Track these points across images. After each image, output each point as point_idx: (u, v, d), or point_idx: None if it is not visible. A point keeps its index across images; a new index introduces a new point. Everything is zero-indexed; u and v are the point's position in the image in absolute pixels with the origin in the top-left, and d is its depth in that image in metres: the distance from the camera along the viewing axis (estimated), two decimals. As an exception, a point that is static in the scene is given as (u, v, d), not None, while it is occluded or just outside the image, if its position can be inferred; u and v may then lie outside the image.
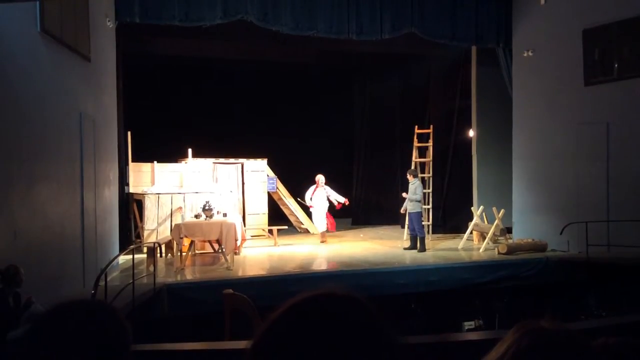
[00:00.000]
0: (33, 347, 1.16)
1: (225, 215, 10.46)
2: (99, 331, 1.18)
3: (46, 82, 7.12)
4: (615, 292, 9.14)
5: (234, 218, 10.54)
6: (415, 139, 13.52)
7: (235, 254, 10.32)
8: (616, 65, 10.21)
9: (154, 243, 9.51)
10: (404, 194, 11.56)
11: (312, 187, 12.85)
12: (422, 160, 13.53)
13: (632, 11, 9.87)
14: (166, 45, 13.23)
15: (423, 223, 13.41)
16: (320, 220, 12.84)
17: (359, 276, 9.15)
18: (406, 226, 12.25)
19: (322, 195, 12.76)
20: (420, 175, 13.57)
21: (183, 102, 15.40)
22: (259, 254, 11.41)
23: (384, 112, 16.44)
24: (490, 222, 11.79)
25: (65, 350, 1.15)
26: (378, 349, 0.86)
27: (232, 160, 13.63)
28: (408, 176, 11.48)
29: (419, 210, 11.27)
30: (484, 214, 12.05)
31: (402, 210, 11.74)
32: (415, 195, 11.11)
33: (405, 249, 11.43)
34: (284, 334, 0.86)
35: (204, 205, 10.27)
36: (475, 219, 11.80)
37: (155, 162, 12.33)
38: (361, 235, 14.24)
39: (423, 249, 11.09)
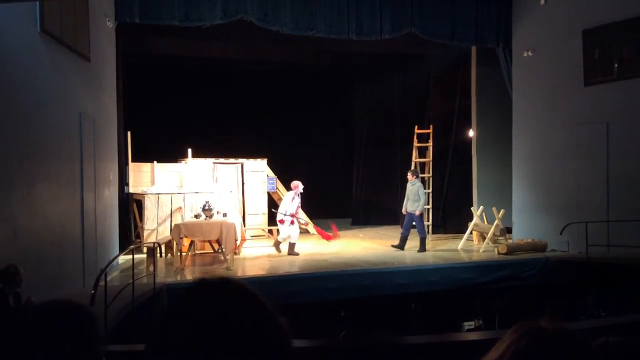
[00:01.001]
0: (4, 345, 1.22)
1: (225, 215, 10.46)
2: (67, 331, 1.23)
3: (46, 82, 7.12)
4: (615, 292, 9.13)
5: (234, 218, 10.54)
6: (415, 139, 13.53)
7: (235, 254, 10.32)
8: (616, 65, 10.21)
9: (154, 243, 9.51)
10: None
11: (290, 195, 11.31)
12: (422, 160, 13.54)
13: (632, 11, 9.87)
14: (166, 45, 13.24)
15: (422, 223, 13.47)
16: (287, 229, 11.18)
17: (359, 276, 9.15)
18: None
19: (297, 203, 11.33)
20: (420, 175, 13.59)
21: (183, 102, 15.40)
22: (259, 254, 11.40)
23: (384, 112, 16.44)
24: (490, 222, 11.79)
25: (34, 349, 1.20)
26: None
27: (232, 160, 13.63)
28: (410, 176, 11.32)
29: (422, 210, 11.23)
30: (483, 214, 12.05)
31: (403, 211, 11.52)
32: (419, 196, 11.03)
33: (393, 246, 11.34)
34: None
35: (204, 205, 10.27)
36: (475, 219, 11.80)
37: (155, 162, 12.33)
38: (361, 235, 14.24)
39: (423, 249, 11.07)
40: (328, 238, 11.88)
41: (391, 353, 4.90)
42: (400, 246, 11.27)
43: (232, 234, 9.72)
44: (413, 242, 11.81)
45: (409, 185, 11.29)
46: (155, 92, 14.67)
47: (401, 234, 11.48)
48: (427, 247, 11.23)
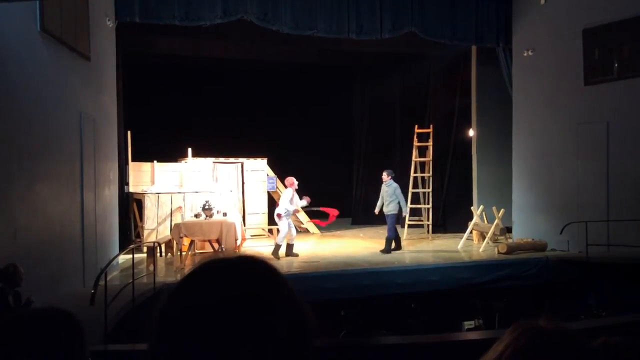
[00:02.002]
0: None
1: (225, 214, 10.46)
2: (53, 338, 1.24)
3: (46, 82, 7.12)
4: (615, 291, 9.14)
5: (234, 217, 10.54)
6: (415, 139, 13.52)
7: (235, 253, 10.28)
8: (616, 65, 10.20)
9: (154, 242, 9.52)
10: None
11: (289, 193, 10.70)
12: (422, 159, 13.54)
13: (632, 11, 9.87)
14: (166, 45, 13.24)
15: (422, 223, 13.46)
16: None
17: (359, 276, 9.14)
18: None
19: (297, 200, 10.86)
20: (420, 174, 13.58)
21: (183, 101, 15.39)
22: (259, 253, 11.38)
23: (384, 111, 16.43)
24: (490, 221, 11.79)
25: (21, 355, 1.22)
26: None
27: (232, 159, 13.63)
28: (385, 176, 11.03)
29: (396, 212, 10.93)
30: (483, 213, 12.05)
31: (376, 211, 11.16)
32: (395, 196, 10.79)
33: (393, 249, 11.04)
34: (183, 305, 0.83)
35: (204, 205, 10.27)
36: (475, 219, 11.80)
37: (155, 161, 12.33)
38: (361, 235, 14.24)
39: (389, 250, 10.86)
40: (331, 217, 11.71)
41: (391, 352, 4.90)
42: (397, 247, 11.08)
43: (232, 233, 9.73)
44: (408, 242, 11.83)
45: (384, 186, 11.03)
46: (155, 92, 14.65)
47: (387, 235, 11.09)
48: (427, 247, 11.18)
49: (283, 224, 10.58)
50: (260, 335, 0.78)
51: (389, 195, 10.92)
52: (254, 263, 0.87)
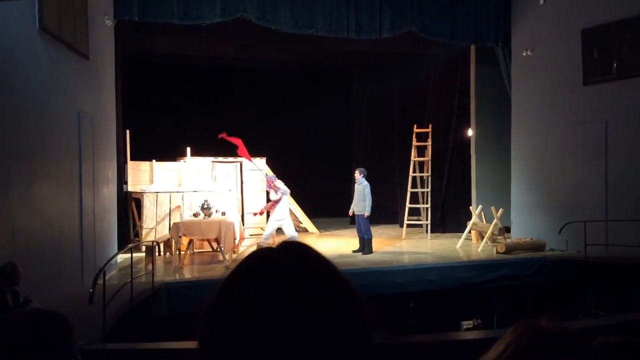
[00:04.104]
0: None
1: (224, 214, 10.46)
2: (41, 338, 1.25)
3: (45, 80, 7.11)
4: (614, 291, 9.15)
5: (233, 217, 10.54)
6: (414, 138, 13.52)
7: (234, 252, 10.31)
8: (615, 65, 10.20)
9: (153, 242, 9.52)
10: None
11: (276, 195, 10.70)
12: (421, 159, 13.53)
13: (631, 11, 9.87)
14: (165, 44, 13.22)
15: (421, 222, 13.45)
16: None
17: (358, 276, 9.13)
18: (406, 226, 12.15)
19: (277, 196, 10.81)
20: (419, 174, 13.59)
21: (182, 100, 15.39)
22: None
23: (383, 111, 16.42)
24: (489, 221, 11.79)
25: (8, 355, 1.23)
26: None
27: (230, 159, 13.61)
28: (357, 174, 10.87)
29: (368, 212, 10.65)
30: (482, 213, 12.05)
31: (350, 213, 11.00)
32: (364, 195, 10.58)
33: (354, 251, 10.90)
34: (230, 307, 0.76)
35: (203, 204, 10.27)
36: (474, 218, 11.80)
37: (154, 160, 12.31)
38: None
39: (370, 250, 10.69)
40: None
41: (390, 352, 4.89)
42: (361, 249, 10.81)
43: (231, 232, 9.72)
44: (407, 242, 11.81)
45: (355, 184, 10.91)
46: (154, 91, 14.65)
47: (358, 236, 10.98)
48: (427, 248, 11.17)
49: (270, 222, 10.66)
50: (321, 335, 0.73)
51: (359, 193, 10.75)
52: (308, 253, 0.82)
